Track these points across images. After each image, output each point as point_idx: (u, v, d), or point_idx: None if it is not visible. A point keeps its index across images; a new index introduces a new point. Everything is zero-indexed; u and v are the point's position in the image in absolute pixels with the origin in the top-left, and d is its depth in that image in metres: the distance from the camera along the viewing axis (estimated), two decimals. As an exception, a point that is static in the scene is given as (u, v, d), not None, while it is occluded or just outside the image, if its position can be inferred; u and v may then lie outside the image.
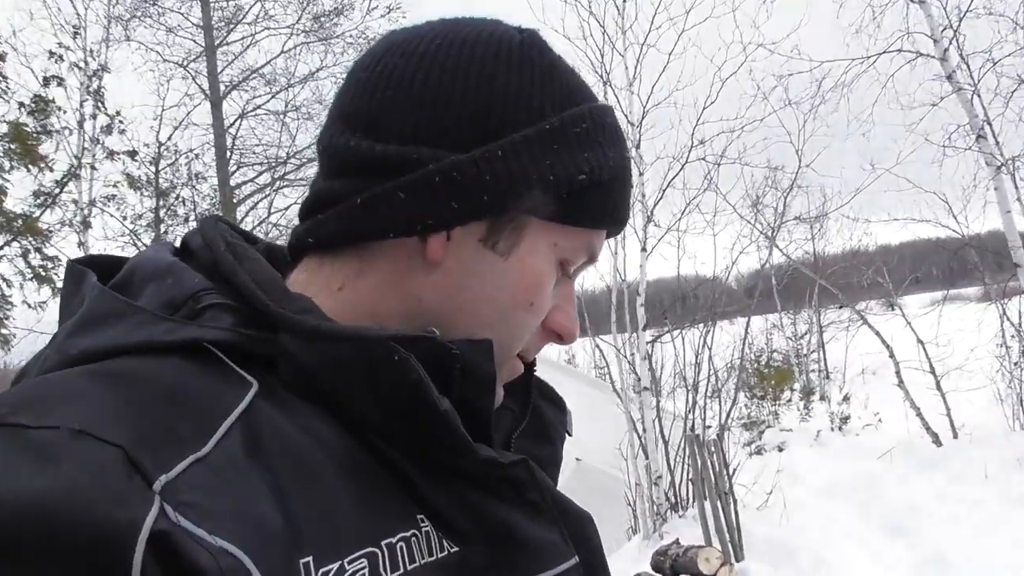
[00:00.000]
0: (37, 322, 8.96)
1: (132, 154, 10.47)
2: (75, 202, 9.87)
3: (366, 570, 0.45)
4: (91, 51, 10.17)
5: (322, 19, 12.49)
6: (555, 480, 0.66)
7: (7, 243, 9.13)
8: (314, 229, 0.57)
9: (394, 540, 0.48)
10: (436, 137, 0.54)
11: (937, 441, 8.31)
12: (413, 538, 0.49)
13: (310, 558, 0.43)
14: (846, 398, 12.47)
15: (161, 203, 11.30)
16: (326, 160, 0.59)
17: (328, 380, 0.51)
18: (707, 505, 5.59)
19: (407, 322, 0.56)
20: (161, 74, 11.87)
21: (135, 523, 0.38)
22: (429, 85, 0.55)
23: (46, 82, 9.40)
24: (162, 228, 11.28)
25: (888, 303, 12.24)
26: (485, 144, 0.54)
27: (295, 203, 12.67)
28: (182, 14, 12.06)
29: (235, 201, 11.93)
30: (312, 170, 12.54)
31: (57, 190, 9.61)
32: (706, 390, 7.79)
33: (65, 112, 9.65)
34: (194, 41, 12.16)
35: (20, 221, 9.11)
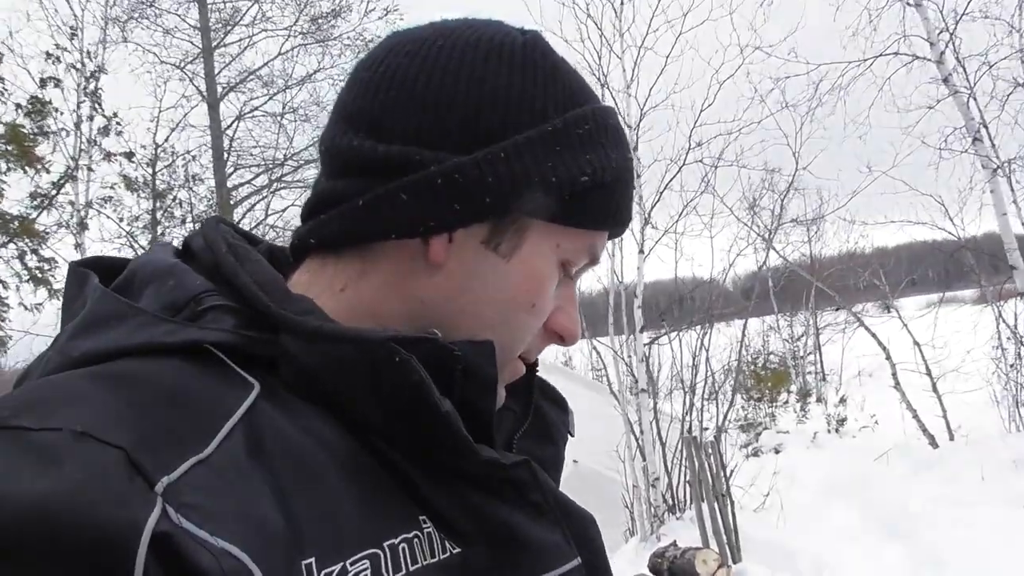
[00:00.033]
0: (33, 324, 8.95)
1: (129, 156, 10.45)
2: (72, 204, 9.86)
3: (368, 571, 0.45)
4: (88, 52, 10.17)
5: (319, 21, 12.49)
6: (557, 481, 0.66)
7: (3, 245, 9.11)
8: (316, 230, 0.57)
9: (396, 541, 0.48)
10: (439, 138, 0.54)
11: (933, 443, 8.32)
12: (415, 539, 0.49)
13: (312, 559, 0.43)
14: (843, 400, 12.49)
15: (158, 205, 11.29)
16: (328, 160, 0.59)
17: (330, 381, 0.51)
18: (704, 507, 5.59)
19: (409, 323, 0.56)
20: (158, 76, 11.87)
21: (137, 524, 0.38)
22: (432, 86, 0.55)
23: (43, 83, 9.38)
24: (159, 230, 11.27)
25: (884, 305, 12.27)
26: (487, 146, 0.54)
27: (292, 205, 12.68)
28: (179, 16, 12.07)
29: (232, 203, 11.92)
30: (309, 172, 12.54)
31: (54, 192, 9.59)
32: (703, 392, 7.80)
33: (62, 114, 9.65)
34: (191, 43, 12.17)
35: (17, 223, 9.08)
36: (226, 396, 0.47)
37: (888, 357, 9.06)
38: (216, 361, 0.49)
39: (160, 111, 11.37)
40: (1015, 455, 6.47)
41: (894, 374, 8.97)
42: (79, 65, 9.98)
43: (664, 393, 9.18)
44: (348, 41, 12.43)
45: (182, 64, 12.04)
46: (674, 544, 4.77)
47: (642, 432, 6.90)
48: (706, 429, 7.54)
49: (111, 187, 10.47)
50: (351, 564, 0.45)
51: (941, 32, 7.60)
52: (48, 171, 9.31)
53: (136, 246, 10.71)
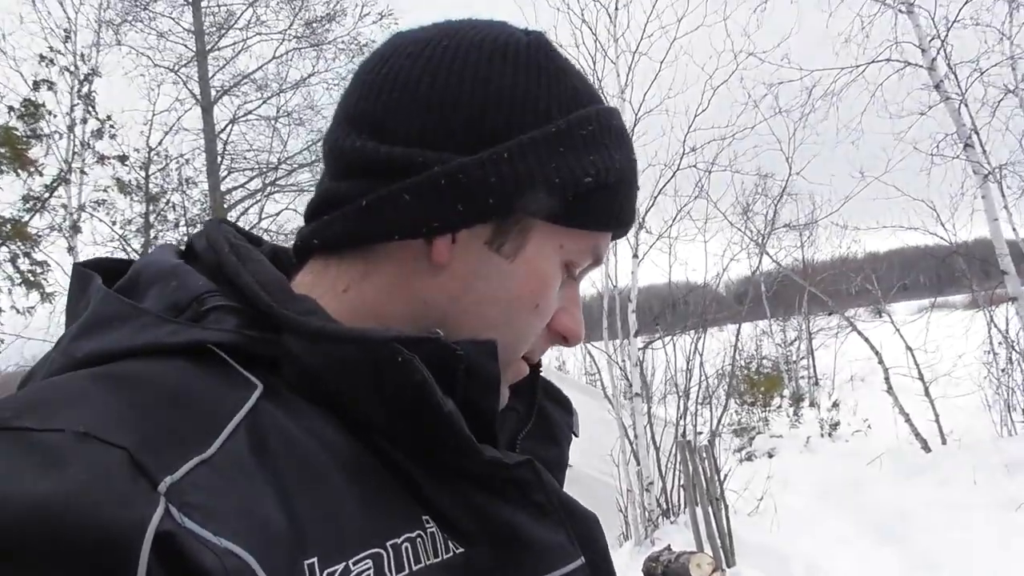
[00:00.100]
0: (25, 328, 8.89)
1: (122, 159, 10.42)
2: (64, 207, 9.82)
3: (371, 571, 0.45)
4: (82, 55, 10.14)
5: (314, 25, 12.49)
6: (561, 482, 0.65)
7: (-5, 248, 9.06)
8: (319, 231, 0.57)
9: (399, 541, 0.48)
10: (442, 139, 0.54)
11: (926, 447, 8.35)
12: (418, 539, 0.49)
13: (315, 559, 0.43)
14: (835, 404, 12.52)
15: (151, 208, 11.25)
16: (331, 161, 0.59)
17: (332, 381, 0.51)
18: (698, 511, 5.59)
19: (412, 324, 0.56)
20: (152, 79, 11.85)
21: (140, 524, 0.38)
22: (435, 87, 0.55)
23: (36, 86, 9.35)
24: (152, 233, 11.23)
25: (876, 310, 12.33)
26: (491, 146, 0.54)
27: (286, 209, 12.67)
28: (173, 19, 12.06)
29: (226, 206, 11.88)
30: (303, 176, 12.55)
31: (47, 195, 9.55)
32: (697, 396, 7.81)
33: (55, 116, 9.62)
34: (185, 46, 12.15)
35: (9, 226, 9.03)
36: (229, 396, 0.47)
37: (881, 361, 9.10)
38: (219, 361, 0.49)
39: (154, 114, 11.36)
40: (1007, 459, 6.50)
41: (887, 378, 9.01)
42: (72, 68, 9.96)
43: (658, 397, 9.19)
44: (343, 45, 12.46)
45: (176, 67, 12.03)
46: (668, 548, 4.76)
47: (636, 436, 6.91)
48: (700, 433, 7.54)
49: (104, 190, 10.45)
50: (354, 564, 0.45)
51: (933, 39, 7.65)
52: (41, 174, 9.27)
53: (129, 250, 10.67)
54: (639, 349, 7.33)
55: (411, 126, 0.55)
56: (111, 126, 10.24)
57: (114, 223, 10.77)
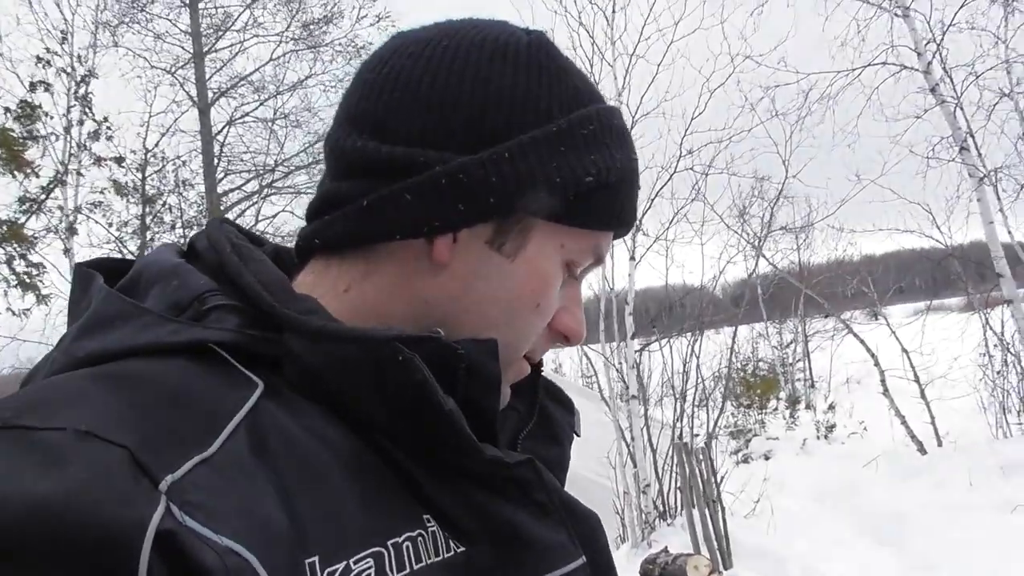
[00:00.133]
0: (20, 330, 8.86)
1: (119, 160, 10.39)
2: (61, 208, 9.78)
3: (372, 570, 0.45)
4: (79, 57, 10.11)
5: (311, 27, 12.48)
6: (563, 481, 0.65)
7: (-9, 250, 9.03)
8: (320, 230, 0.57)
9: (400, 540, 0.48)
10: (443, 139, 0.54)
11: (922, 449, 8.37)
12: (419, 538, 0.49)
13: (316, 557, 0.43)
14: (831, 407, 12.55)
15: (148, 210, 11.23)
16: (333, 162, 0.59)
17: (334, 380, 0.51)
18: (695, 513, 5.59)
19: (413, 323, 0.56)
20: (149, 80, 11.82)
21: (141, 523, 0.38)
22: (436, 87, 0.55)
23: (33, 87, 9.32)
24: (148, 235, 11.20)
25: (872, 313, 12.34)
26: (492, 146, 0.54)
27: (283, 211, 12.64)
28: (170, 20, 12.04)
29: (222, 209, 11.86)
30: (300, 178, 12.54)
31: (43, 196, 9.52)
32: (694, 399, 7.82)
33: (52, 118, 9.58)
34: (182, 48, 12.13)
35: (5, 227, 9.00)
36: (229, 395, 0.47)
37: (877, 364, 9.11)
38: (220, 360, 0.49)
39: (150, 116, 11.32)
40: (1002, 461, 6.52)
41: (882, 381, 9.02)
42: (69, 69, 9.93)
43: (655, 400, 9.18)
44: (340, 47, 12.46)
45: (173, 69, 12.01)
46: (665, 550, 4.76)
47: (633, 439, 6.91)
48: (697, 435, 7.55)
49: (100, 192, 10.41)
50: (355, 563, 0.45)
51: (928, 43, 7.68)
52: (37, 175, 9.24)
53: (125, 252, 10.64)
54: (636, 351, 7.33)
55: (412, 126, 0.55)
56: (108, 128, 10.22)
57: (110, 225, 10.74)
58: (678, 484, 6.35)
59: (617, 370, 7.34)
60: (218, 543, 0.39)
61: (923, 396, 8.88)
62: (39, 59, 9.51)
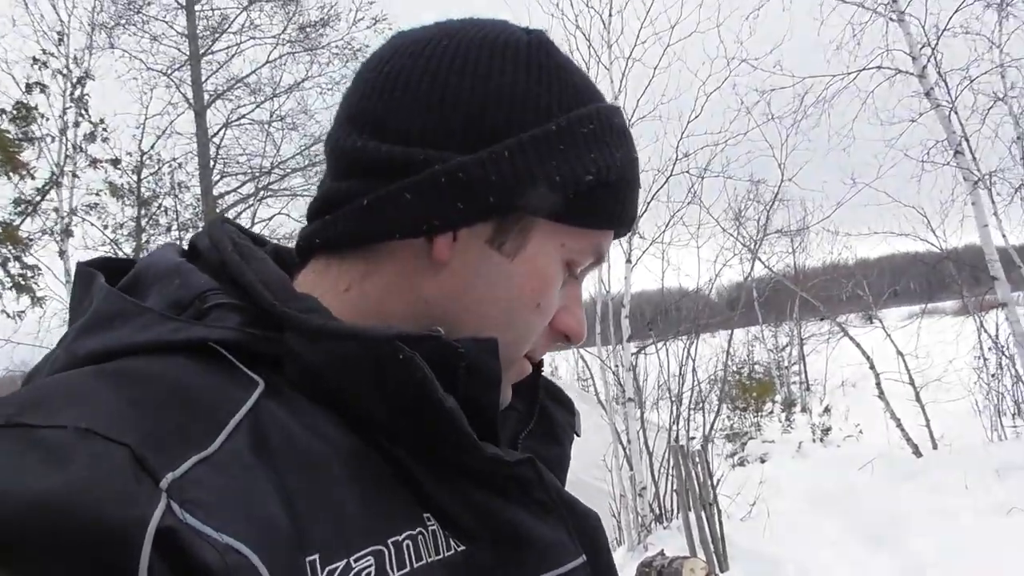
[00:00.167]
0: (15, 332, 8.84)
1: (115, 162, 10.38)
2: (56, 210, 9.77)
3: (372, 568, 0.45)
4: (74, 58, 10.09)
5: (308, 29, 12.47)
6: (563, 481, 0.65)
7: (-14, 251, 9.01)
8: (321, 230, 0.57)
9: (400, 538, 0.48)
10: (443, 138, 0.54)
11: (917, 452, 8.38)
12: (420, 536, 0.49)
13: (316, 556, 0.43)
14: (827, 410, 12.57)
15: (143, 212, 11.21)
16: (333, 161, 0.59)
17: (334, 379, 0.51)
18: (691, 516, 5.60)
19: (414, 322, 0.55)
20: (145, 82, 11.79)
21: (142, 520, 0.38)
22: (436, 87, 0.55)
23: (28, 89, 9.31)
24: (144, 238, 11.19)
25: (868, 316, 12.39)
26: (491, 145, 0.54)
27: (279, 213, 12.62)
28: (167, 22, 12.01)
29: (218, 211, 11.84)
30: (296, 181, 12.53)
31: (38, 198, 9.50)
32: (690, 402, 7.83)
33: (47, 119, 9.57)
34: (178, 50, 12.10)
35: (0, 229, 8.98)
36: (230, 394, 0.47)
37: (872, 367, 9.13)
38: (221, 359, 0.49)
39: (146, 118, 11.30)
40: (997, 464, 6.53)
41: (878, 384, 9.04)
42: (65, 71, 9.91)
43: (651, 403, 9.20)
44: (336, 50, 12.44)
45: (169, 71, 11.98)
46: (661, 553, 4.76)
47: (629, 442, 6.92)
48: (693, 438, 7.56)
49: (96, 194, 10.40)
50: (355, 561, 0.45)
51: (923, 47, 7.71)
52: (33, 177, 9.23)
53: (120, 254, 10.61)
54: (632, 354, 7.34)
55: (412, 125, 0.55)
56: (103, 129, 10.21)
57: (106, 227, 10.73)
58: (674, 487, 6.36)
59: (613, 373, 7.34)
60: (219, 541, 0.39)
61: (918, 399, 8.90)
62: (35, 60, 9.50)
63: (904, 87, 8.17)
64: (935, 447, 8.51)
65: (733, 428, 12.71)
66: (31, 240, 9.45)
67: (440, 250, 0.55)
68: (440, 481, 0.52)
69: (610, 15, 7.33)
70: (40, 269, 9.27)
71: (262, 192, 12.67)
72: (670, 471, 6.55)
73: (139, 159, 11.10)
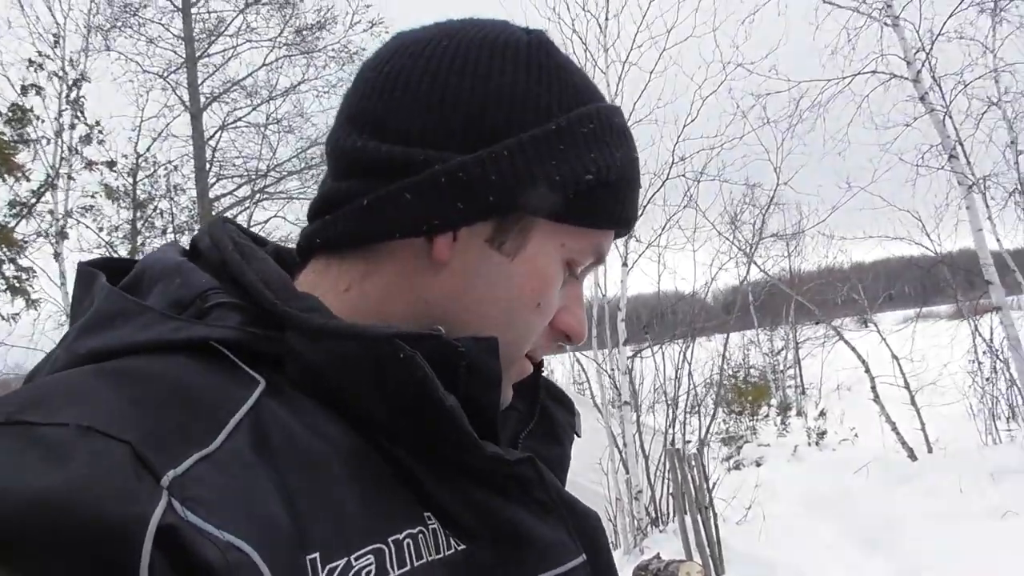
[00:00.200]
0: (9, 335, 8.81)
1: (110, 165, 10.36)
2: (51, 212, 9.74)
3: (373, 567, 0.45)
4: (70, 60, 10.08)
5: (304, 32, 12.47)
6: (563, 481, 0.65)
7: (-20, 253, 8.97)
8: (321, 230, 0.57)
9: (401, 537, 0.48)
10: (443, 138, 0.55)
11: (912, 455, 8.40)
12: (420, 535, 0.49)
13: (317, 554, 0.43)
14: (822, 413, 12.57)
15: (139, 215, 11.19)
16: (333, 161, 0.59)
17: (334, 378, 0.51)
18: (687, 519, 5.60)
19: (414, 322, 0.56)
20: (141, 85, 11.78)
21: (143, 518, 0.38)
22: (436, 87, 0.55)
23: (24, 91, 9.29)
24: (139, 240, 11.16)
25: (863, 320, 12.42)
26: (491, 144, 0.54)
27: (275, 216, 12.61)
28: (163, 25, 12.00)
29: (214, 213, 11.82)
30: (292, 183, 12.52)
31: (33, 200, 9.47)
32: (686, 405, 7.84)
33: (43, 121, 9.55)
34: (175, 52, 12.09)
35: (-6, 231, 8.96)
36: (231, 392, 0.47)
37: (867, 371, 9.15)
38: (222, 358, 0.49)
39: (142, 120, 11.29)
40: (992, 467, 6.55)
41: (873, 387, 9.06)
42: (61, 73, 9.90)
43: (647, 406, 9.20)
44: (333, 53, 12.44)
45: (165, 74, 11.96)
46: (657, 557, 4.76)
47: (625, 445, 6.92)
48: (688, 442, 7.56)
49: (91, 196, 10.38)
50: (355, 559, 0.45)
51: (918, 52, 7.74)
52: (28, 179, 9.21)
53: (116, 256, 10.56)
54: (628, 358, 7.34)
55: (412, 125, 0.55)
56: (99, 131, 10.19)
57: (101, 229, 10.70)
58: (670, 490, 6.36)
59: (609, 376, 7.35)
60: (220, 538, 0.39)
61: (913, 403, 8.92)
62: (31, 62, 9.48)
63: (899, 91, 8.25)
64: (930, 451, 8.53)
65: (729, 432, 12.71)
66: (26, 242, 9.42)
67: (440, 250, 0.55)
68: (440, 480, 0.52)
69: (606, 19, 7.36)
70: (35, 271, 9.25)
71: (258, 195, 12.66)
72: (666, 475, 6.55)
73: (135, 161, 11.08)
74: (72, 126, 9.95)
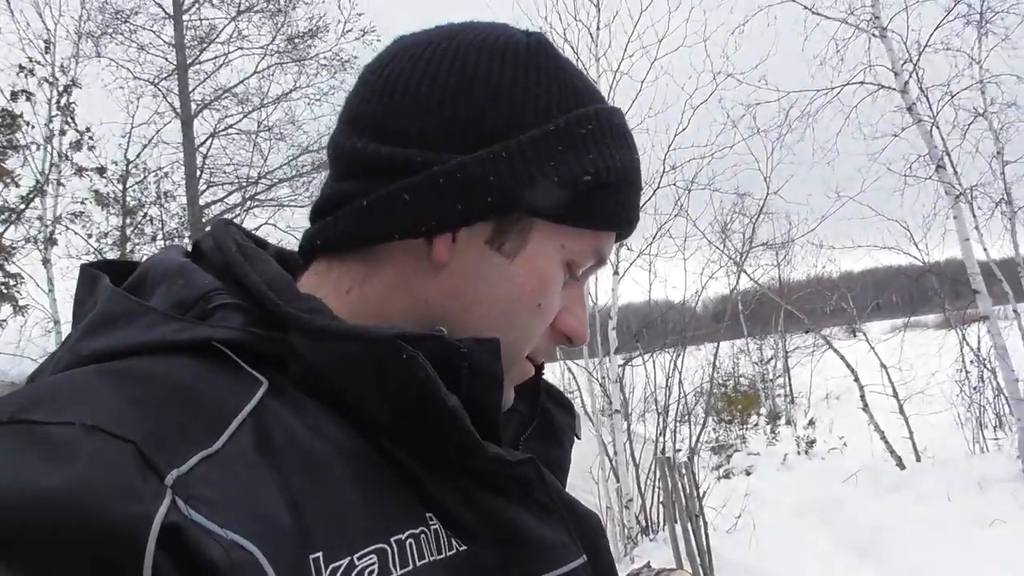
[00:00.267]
0: (-4, 341, 8.71)
1: (101, 171, 10.29)
2: (40, 219, 9.66)
3: (375, 566, 0.45)
4: (61, 66, 10.03)
5: (296, 40, 12.45)
6: (564, 483, 0.66)
7: (-33, 260, 8.90)
8: (322, 232, 0.58)
9: (403, 537, 0.48)
10: (442, 140, 0.55)
11: (901, 464, 8.43)
12: (422, 535, 0.49)
13: (320, 554, 0.43)
14: (811, 422, 12.60)
15: (128, 221, 11.10)
16: (334, 163, 0.60)
17: (337, 379, 0.51)
18: (678, 528, 5.59)
19: (414, 323, 0.56)
20: (131, 91, 11.70)
21: (147, 517, 0.38)
22: (435, 89, 0.56)
23: (14, 96, 9.23)
24: (128, 247, 11.07)
25: (851, 329, 12.47)
26: (490, 145, 0.55)
27: (265, 223, 12.56)
28: (154, 32, 11.95)
29: (204, 220, 11.76)
30: (283, 191, 12.48)
31: (22, 206, 9.40)
32: (676, 413, 7.85)
33: (33, 127, 9.48)
34: (166, 59, 12.03)
35: (-18, 237, 8.88)
36: (234, 393, 0.47)
37: (856, 379, 9.19)
38: (225, 359, 0.50)
39: (133, 127, 11.19)
40: (980, 476, 6.59)
41: (862, 396, 9.09)
42: (51, 79, 9.84)
43: (637, 414, 9.20)
44: (325, 61, 12.42)
45: (156, 80, 11.91)
46: (648, 565, 4.73)
47: (616, 453, 6.91)
48: (679, 451, 7.57)
49: (81, 203, 10.29)
50: (358, 559, 0.45)
51: (905, 63, 7.81)
52: (17, 185, 9.12)
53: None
54: (619, 366, 7.35)
55: (411, 127, 0.55)
56: (89, 138, 10.10)
57: (90, 236, 10.59)
58: (660, 499, 6.36)
59: (600, 385, 7.35)
60: (223, 537, 0.40)
61: (902, 411, 8.96)
62: (21, 68, 9.41)
63: (887, 102, 8.29)
64: (918, 459, 8.57)
65: (719, 440, 12.71)
66: (14, 248, 9.33)
67: (439, 251, 0.56)
68: (442, 481, 0.52)
69: (598, 28, 7.40)
70: (23, 277, 9.15)
71: (249, 202, 12.60)
72: (656, 483, 6.55)
73: (125, 168, 10.99)
74: (62, 132, 9.88)
